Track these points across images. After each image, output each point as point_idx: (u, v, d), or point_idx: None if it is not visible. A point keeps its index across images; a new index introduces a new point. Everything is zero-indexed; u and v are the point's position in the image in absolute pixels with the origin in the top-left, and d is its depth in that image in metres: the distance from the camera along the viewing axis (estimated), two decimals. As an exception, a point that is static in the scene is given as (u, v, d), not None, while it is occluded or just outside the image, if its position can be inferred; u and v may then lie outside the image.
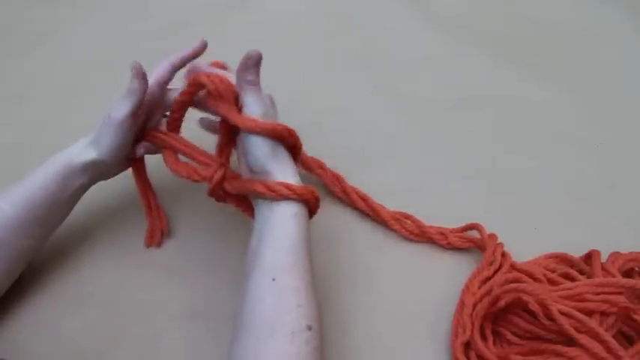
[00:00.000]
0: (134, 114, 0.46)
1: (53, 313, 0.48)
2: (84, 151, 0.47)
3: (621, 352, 0.38)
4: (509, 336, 0.44)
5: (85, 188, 0.49)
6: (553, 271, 0.49)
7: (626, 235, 0.53)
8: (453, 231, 0.53)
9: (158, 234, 0.53)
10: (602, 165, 0.63)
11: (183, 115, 0.50)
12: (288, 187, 0.41)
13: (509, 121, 0.68)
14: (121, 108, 0.46)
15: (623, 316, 0.43)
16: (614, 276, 0.46)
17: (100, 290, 0.50)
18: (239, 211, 0.48)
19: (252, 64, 0.42)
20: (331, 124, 0.66)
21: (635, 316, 0.42)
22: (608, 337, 0.39)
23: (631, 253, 0.49)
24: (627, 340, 0.43)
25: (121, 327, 0.47)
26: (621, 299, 0.42)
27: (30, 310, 0.48)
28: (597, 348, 0.39)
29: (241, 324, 0.38)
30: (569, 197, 0.59)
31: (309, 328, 0.36)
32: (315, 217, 0.44)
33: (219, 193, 0.46)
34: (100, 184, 0.50)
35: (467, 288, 0.48)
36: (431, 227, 0.53)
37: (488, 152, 0.64)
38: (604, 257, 0.49)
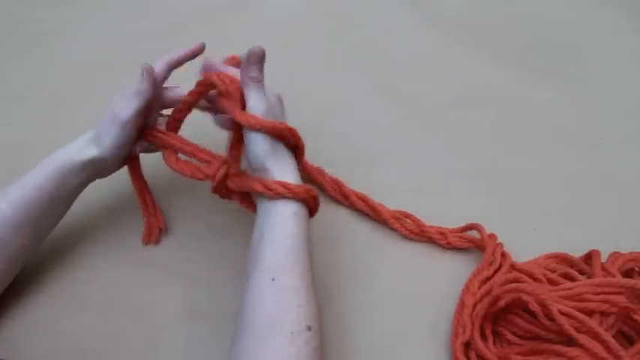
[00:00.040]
0: (139, 114, 0.47)
1: (53, 313, 0.48)
2: (84, 149, 0.47)
3: (621, 352, 0.38)
4: (509, 336, 0.44)
5: (82, 186, 0.49)
6: (553, 271, 0.49)
7: (626, 235, 0.53)
8: (452, 231, 0.53)
9: (155, 232, 0.53)
10: (602, 165, 0.63)
11: (185, 116, 0.50)
12: (285, 185, 0.41)
13: (509, 121, 0.68)
14: (127, 108, 0.46)
15: (623, 316, 0.43)
16: (614, 276, 0.46)
17: (99, 290, 0.50)
18: (237, 209, 0.47)
19: (255, 60, 0.42)
20: (331, 124, 0.66)
21: (635, 316, 0.42)
22: (608, 337, 0.39)
23: (631, 253, 0.49)
24: (627, 340, 0.43)
25: (120, 327, 0.47)
26: (621, 299, 0.42)
27: (29, 310, 0.48)
28: (597, 348, 0.39)
29: (242, 324, 0.38)
30: (569, 197, 0.59)
31: (309, 328, 0.36)
32: (315, 217, 0.44)
33: (222, 191, 0.46)
34: (98, 184, 0.50)
35: (467, 288, 0.48)
36: (431, 227, 0.53)
37: (488, 152, 0.64)
38: (604, 257, 0.49)
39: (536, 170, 0.62)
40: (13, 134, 0.65)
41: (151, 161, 0.53)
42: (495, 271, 0.48)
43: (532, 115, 0.69)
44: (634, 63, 0.79)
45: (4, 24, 0.85)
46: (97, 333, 0.46)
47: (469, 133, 0.67)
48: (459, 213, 0.55)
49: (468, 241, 0.52)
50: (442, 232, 0.53)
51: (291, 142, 0.43)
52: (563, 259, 0.50)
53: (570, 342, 0.40)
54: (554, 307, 0.40)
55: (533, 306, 0.41)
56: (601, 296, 0.43)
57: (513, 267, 0.49)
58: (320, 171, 0.57)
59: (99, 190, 0.53)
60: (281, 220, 0.41)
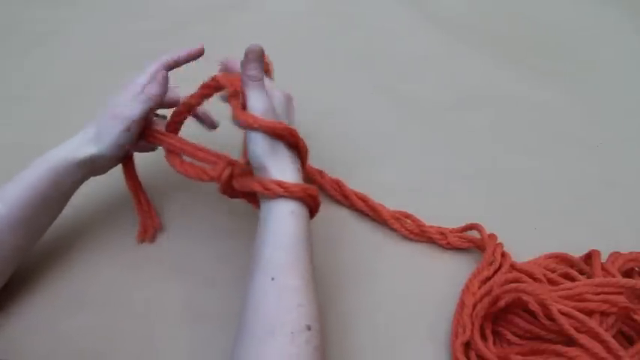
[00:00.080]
0: (145, 116, 0.47)
1: (52, 313, 0.48)
2: (82, 147, 0.46)
3: (621, 352, 0.38)
4: (509, 336, 0.44)
5: (76, 186, 0.49)
6: (553, 271, 0.49)
7: (626, 235, 0.53)
8: (452, 231, 0.53)
9: (150, 230, 0.53)
10: (602, 165, 0.63)
11: (185, 118, 0.50)
12: (281, 184, 0.41)
13: (509, 121, 0.68)
14: (135, 109, 0.47)
15: (623, 316, 0.43)
16: (614, 276, 0.46)
17: (97, 290, 0.50)
18: (234, 208, 0.48)
19: (253, 58, 0.42)
20: (331, 124, 0.66)
21: (635, 316, 0.42)
22: (608, 337, 0.39)
23: (631, 253, 0.49)
24: (627, 340, 0.43)
25: (120, 327, 0.47)
26: (621, 299, 0.42)
27: (29, 310, 0.48)
28: (597, 348, 0.39)
29: (243, 324, 0.38)
30: (569, 197, 0.59)
31: (309, 327, 0.36)
32: (315, 217, 0.44)
33: (229, 191, 0.46)
34: (92, 184, 0.50)
35: (467, 288, 0.48)
36: (431, 227, 0.53)
37: (488, 152, 0.64)
38: (604, 257, 0.49)
39: (536, 170, 0.62)
40: (13, 134, 0.65)
41: (146, 161, 0.53)
42: (495, 271, 0.48)
43: (532, 115, 0.69)
44: (634, 63, 0.79)
45: (4, 24, 0.85)
46: (96, 333, 0.46)
47: (469, 133, 0.67)
48: (459, 213, 0.55)
49: (468, 241, 0.52)
50: (442, 232, 0.53)
51: (290, 142, 0.43)
52: (563, 259, 0.50)
53: (570, 342, 0.40)
54: (554, 307, 0.40)
55: (533, 306, 0.41)
56: (601, 296, 0.43)
57: (513, 267, 0.49)
58: (320, 172, 0.57)
59: (93, 191, 0.53)
60: (279, 220, 0.41)
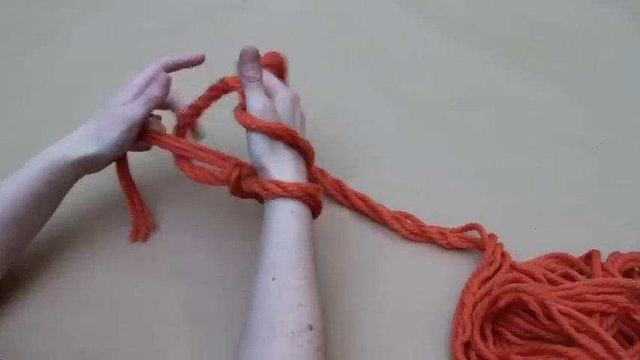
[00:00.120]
0: (146, 117, 0.48)
1: (52, 313, 0.48)
2: (81, 145, 0.46)
3: (621, 352, 0.38)
4: (509, 336, 0.44)
5: (71, 184, 0.48)
6: (553, 271, 0.49)
7: (626, 235, 0.53)
8: (452, 231, 0.53)
9: (143, 229, 0.53)
10: (602, 165, 0.63)
11: (193, 120, 0.50)
12: (279, 184, 0.41)
13: (509, 121, 0.68)
14: (138, 110, 0.47)
15: (623, 316, 0.43)
16: (614, 276, 0.46)
17: (96, 290, 0.50)
18: (231, 208, 0.47)
19: (248, 59, 0.42)
20: (331, 124, 0.66)
21: (635, 316, 0.42)
22: (608, 337, 0.39)
23: (631, 253, 0.49)
24: (627, 340, 0.43)
25: (119, 326, 0.47)
26: (621, 299, 0.42)
27: (29, 310, 0.48)
28: (597, 348, 0.39)
29: (247, 324, 0.38)
30: (569, 197, 0.59)
31: (311, 327, 0.36)
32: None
33: (238, 193, 0.46)
34: (87, 185, 0.50)
35: (467, 288, 0.48)
36: (431, 227, 0.53)
37: (488, 152, 0.64)
38: (604, 257, 0.49)
39: (536, 170, 0.62)
40: (13, 134, 0.65)
41: (144, 161, 0.53)
42: (495, 271, 0.48)
43: (532, 115, 0.69)
44: (634, 63, 0.79)
45: (4, 24, 0.85)
46: (96, 333, 0.46)
47: (469, 133, 0.67)
48: (459, 213, 0.55)
49: (468, 241, 0.52)
50: (442, 232, 0.53)
51: (290, 142, 0.43)
52: (563, 259, 0.50)
53: (570, 342, 0.40)
54: (554, 307, 0.40)
55: (533, 306, 0.41)
56: (601, 296, 0.43)
57: (513, 267, 0.49)
58: (321, 171, 0.57)
59: (88, 189, 0.53)
60: (280, 219, 0.41)
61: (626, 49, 0.82)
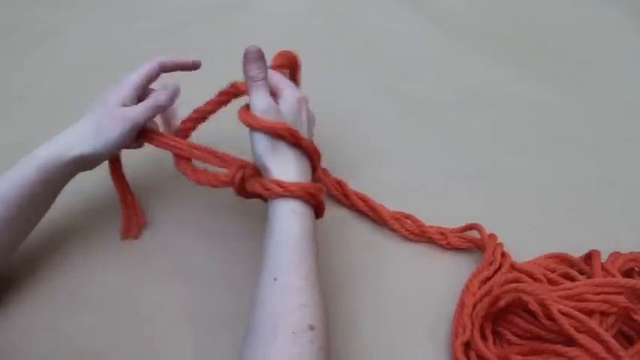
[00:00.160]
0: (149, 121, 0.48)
1: (52, 313, 0.48)
2: (78, 144, 0.46)
3: (621, 352, 0.38)
4: (509, 336, 0.44)
5: (65, 182, 0.48)
6: (553, 271, 0.49)
7: (626, 235, 0.53)
8: (452, 231, 0.53)
9: (134, 227, 0.53)
10: (602, 165, 0.63)
11: (198, 124, 0.50)
12: (280, 184, 0.41)
13: (509, 121, 0.68)
14: (142, 114, 0.47)
15: (623, 316, 0.43)
16: (614, 276, 0.46)
17: (98, 290, 0.50)
18: (229, 209, 0.47)
19: (252, 59, 0.43)
20: (331, 124, 0.66)
21: (635, 316, 0.42)
22: (608, 337, 0.39)
23: (631, 253, 0.49)
24: (627, 340, 0.43)
25: (120, 327, 0.47)
26: (621, 299, 0.42)
27: (29, 310, 0.48)
28: (597, 348, 0.39)
29: (249, 324, 0.38)
30: (569, 197, 0.59)
31: (312, 327, 0.36)
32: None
33: (243, 194, 0.46)
34: (85, 180, 0.50)
35: (467, 288, 0.48)
36: (431, 227, 0.53)
37: (488, 152, 0.64)
38: (604, 257, 0.49)
39: (536, 170, 0.62)
40: (13, 134, 0.65)
41: (141, 160, 0.53)
42: (495, 271, 0.48)
43: (532, 115, 0.69)
44: (634, 62, 0.79)
45: (4, 24, 0.85)
46: (96, 333, 0.46)
47: (469, 133, 0.67)
48: (459, 213, 0.55)
49: (468, 241, 0.52)
50: (442, 233, 0.53)
51: (292, 142, 0.43)
52: (563, 259, 0.50)
53: (570, 342, 0.40)
54: (554, 307, 0.40)
55: (533, 306, 0.41)
56: (601, 296, 0.43)
57: (513, 267, 0.49)
58: (324, 170, 0.57)
59: (84, 188, 0.53)
60: (282, 219, 0.41)
61: (625, 49, 0.82)
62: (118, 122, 0.46)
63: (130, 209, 0.53)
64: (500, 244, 0.50)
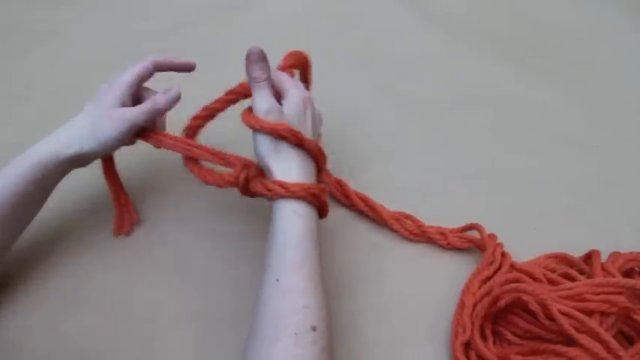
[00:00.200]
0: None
1: (52, 313, 0.48)
2: (75, 143, 0.46)
3: (621, 352, 0.38)
4: (509, 336, 0.44)
5: (58, 181, 0.48)
6: (553, 271, 0.49)
7: (626, 235, 0.53)
8: (452, 231, 0.53)
9: (127, 223, 0.53)
10: (601, 165, 0.63)
11: (206, 123, 0.50)
12: (282, 185, 0.41)
13: (509, 121, 0.68)
14: (140, 116, 0.47)
15: (623, 316, 0.43)
16: (614, 276, 0.46)
17: (98, 290, 0.50)
18: (229, 207, 0.47)
19: (254, 60, 0.43)
20: (330, 125, 0.66)
21: (635, 316, 0.42)
22: (608, 337, 0.39)
23: (631, 253, 0.49)
24: (627, 340, 0.43)
25: (120, 327, 0.47)
26: (621, 299, 0.42)
27: (28, 310, 0.48)
28: (597, 348, 0.39)
29: (252, 325, 0.38)
30: (569, 197, 0.59)
31: (314, 329, 0.36)
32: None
33: (248, 194, 0.46)
34: (81, 177, 0.50)
35: (467, 288, 0.48)
36: (431, 227, 0.53)
37: (487, 152, 0.64)
38: (604, 257, 0.49)
39: (536, 170, 0.62)
40: (13, 134, 0.65)
41: (140, 161, 0.53)
42: (495, 271, 0.48)
43: (531, 115, 0.69)
44: (633, 62, 0.80)
45: (4, 24, 0.85)
46: (96, 333, 0.46)
47: (469, 133, 0.67)
48: (459, 213, 0.55)
49: (468, 241, 0.52)
50: (442, 233, 0.53)
51: (294, 143, 0.43)
52: (563, 259, 0.50)
53: (570, 342, 0.40)
54: (554, 307, 0.40)
55: (533, 306, 0.41)
56: (601, 296, 0.43)
57: (513, 267, 0.49)
58: (325, 171, 0.57)
59: (88, 190, 0.53)
60: (284, 220, 0.41)
61: (625, 49, 0.82)
62: (117, 123, 0.47)
63: (123, 207, 0.53)
64: (500, 244, 0.50)
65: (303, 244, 0.40)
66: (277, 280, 0.38)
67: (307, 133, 0.44)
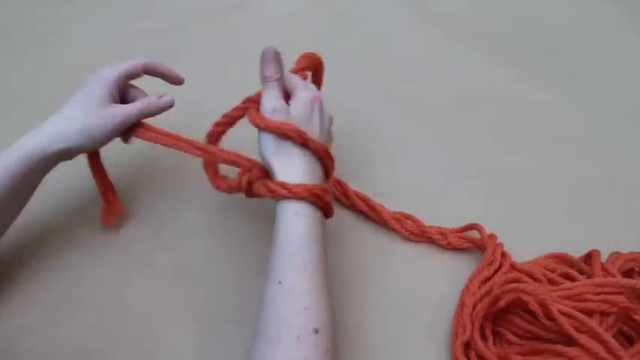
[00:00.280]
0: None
1: (51, 313, 0.48)
2: (64, 138, 0.45)
3: (621, 352, 0.38)
4: (509, 336, 0.44)
5: (44, 174, 0.48)
6: (553, 271, 0.49)
7: (626, 235, 0.53)
8: (452, 231, 0.53)
9: (115, 214, 0.52)
10: (601, 165, 0.63)
11: (226, 130, 0.49)
12: (284, 185, 0.41)
13: (509, 122, 0.68)
14: (130, 113, 0.47)
15: (623, 316, 0.43)
16: (614, 276, 0.46)
17: (97, 290, 0.50)
18: (228, 207, 0.47)
19: (268, 59, 0.44)
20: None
21: (635, 316, 0.42)
22: (608, 337, 0.39)
23: (631, 253, 0.49)
24: (627, 340, 0.43)
25: (120, 327, 0.47)
26: (621, 299, 0.42)
27: (28, 310, 0.48)
28: (597, 348, 0.39)
29: (256, 327, 0.38)
30: (569, 197, 0.59)
31: (317, 331, 0.36)
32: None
33: (253, 196, 0.46)
34: (73, 184, 0.50)
35: (467, 288, 0.48)
36: (431, 227, 0.53)
37: (488, 152, 0.64)
38: (604, 257, 0.49)
39: (536, 170, 0.62)
40: (13, 134, 0.65)
41: (141, 162, 0.52)
42: (495, 271, 0.48)
43: (531, 115, 0.69)
44: (633, 63, 0.79)
45: (4, 24, 0.85)
46: (96, 333, 0.46)
47: (469, 133, 0.67)
48: (459, 213, 0.55)
49: (468, 241, 0.52)
50: (442, 233, 0.53)
51: (299, 143, 0.43)
52: (563, 259, 0.50)
53: (570, 342, 0.40)
54: (554, 307, 0.40)
55: (533, 306, 0.41)
56: (601, 296, 0.43)
57: (513, 267, 0.49)
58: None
59: (88, 189, 0.53)
60: (287, 221, 0.41)
61: (625, 49, 0.82)
62: (107, 121, 0.46)
63: (109, 199, 0.52)
64: (500, 244, 0.50)
65: (305, 246, 0.40)
66: (280, 283, 0.38)
67: (314, 134, 0.44)
